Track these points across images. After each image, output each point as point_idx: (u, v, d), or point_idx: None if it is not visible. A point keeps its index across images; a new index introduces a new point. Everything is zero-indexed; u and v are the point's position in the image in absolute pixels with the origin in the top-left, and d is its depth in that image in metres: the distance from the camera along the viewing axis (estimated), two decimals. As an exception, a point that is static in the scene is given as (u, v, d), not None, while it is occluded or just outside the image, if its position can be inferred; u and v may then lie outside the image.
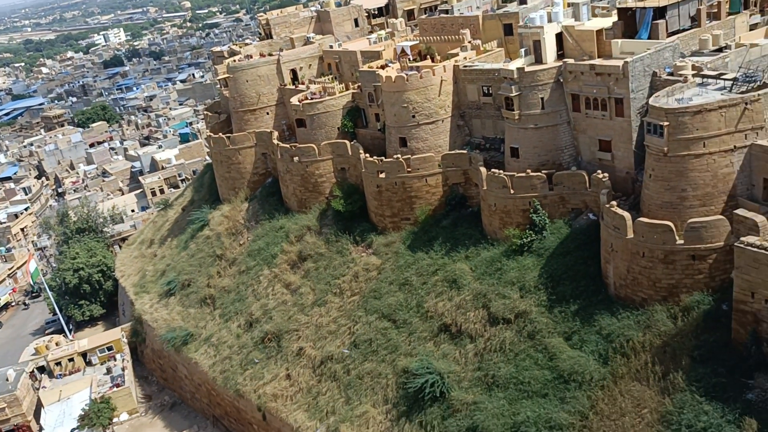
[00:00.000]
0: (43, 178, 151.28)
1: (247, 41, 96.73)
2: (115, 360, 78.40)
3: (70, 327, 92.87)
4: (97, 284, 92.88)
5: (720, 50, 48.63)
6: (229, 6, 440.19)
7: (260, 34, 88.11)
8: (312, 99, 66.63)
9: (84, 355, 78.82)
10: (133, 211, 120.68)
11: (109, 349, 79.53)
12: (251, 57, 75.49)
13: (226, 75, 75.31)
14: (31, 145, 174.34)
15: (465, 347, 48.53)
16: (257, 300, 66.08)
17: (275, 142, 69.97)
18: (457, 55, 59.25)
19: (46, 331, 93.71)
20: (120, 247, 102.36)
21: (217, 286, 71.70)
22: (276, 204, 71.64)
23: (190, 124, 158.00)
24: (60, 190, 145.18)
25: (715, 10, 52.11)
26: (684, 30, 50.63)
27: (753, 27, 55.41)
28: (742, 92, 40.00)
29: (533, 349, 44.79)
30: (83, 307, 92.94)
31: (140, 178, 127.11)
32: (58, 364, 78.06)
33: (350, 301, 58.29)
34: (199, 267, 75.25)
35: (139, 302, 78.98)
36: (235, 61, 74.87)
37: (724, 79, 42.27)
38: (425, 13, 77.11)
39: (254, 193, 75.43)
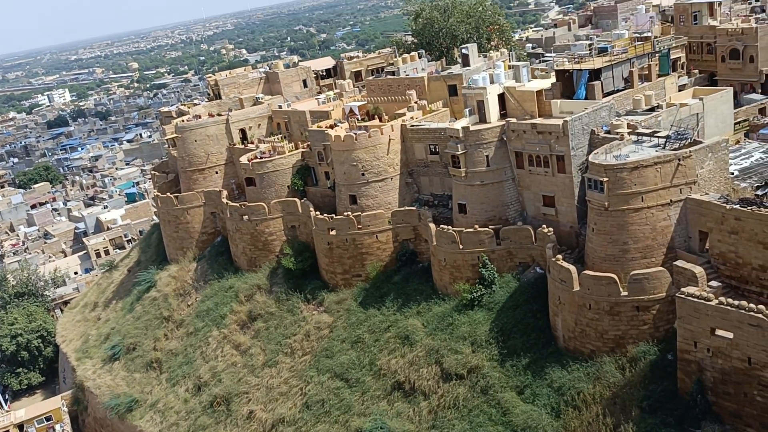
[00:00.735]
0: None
1: (196, 101, 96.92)
2: (54, 431, 74.57)
3: (6, 397, 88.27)
4: (36, 350, 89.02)
5: (652, 109, 51.26)
6: (178, 67, 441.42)
7: (209, 94, 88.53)
8: (262, 158, 66.88)
9: (21, 426, 74.72)
10: (76, 273, 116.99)
11: (48, 419, 75.65)
12: (200, 117, 75.65)
13: (175, 135, 75.09)
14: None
15: (419, 405, 48.14)
16: (206, 362, 64.37)
17: (224, 200, 69.62)
18: (404, 114, 60.69)
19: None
20: (62, 311, 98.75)
21: (164, 349, 69.65)
22: (225, 263, 70.72)
23: (137, 184, 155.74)
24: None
25: (646, 72, 55.11)
26: (618, 90, 53.25)
27: (681, 87, 58.79)
28: (675, 149, 42.04)
29: (487, 404, 44.75)
30: (20, 375, 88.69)
31: (84, 239, 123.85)
32: (-8, 437, 73.87)
33: (302, 360, 57.39)
34: (145, 330, 73.12)
35: (81, 368, 75.92)
36: (183, 120, 74.86)
37: (658, 137, 44.40)
38: (372, 75, 79.00)
39: (203, 253, 74.41)
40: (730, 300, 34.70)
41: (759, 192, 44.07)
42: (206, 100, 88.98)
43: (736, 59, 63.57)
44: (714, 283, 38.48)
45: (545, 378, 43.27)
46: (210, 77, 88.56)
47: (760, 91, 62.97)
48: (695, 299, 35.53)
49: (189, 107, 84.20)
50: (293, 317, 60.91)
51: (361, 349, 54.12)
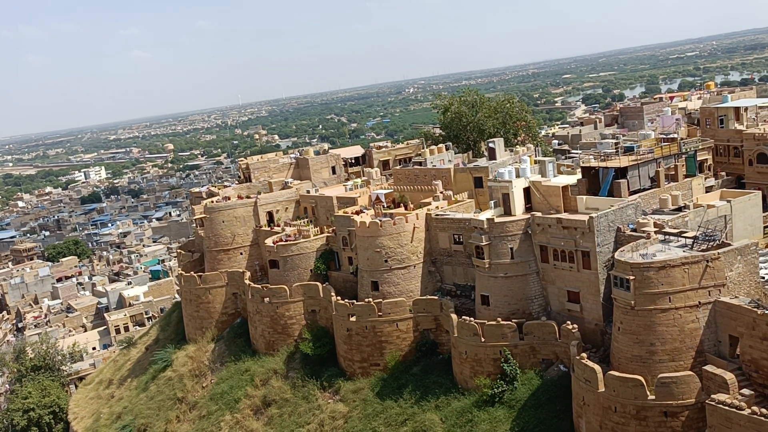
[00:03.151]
0: (4, 312, 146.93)
1: (226, 183, 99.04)
2: None
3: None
4: (46, 427, 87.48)
5: (679, 210, 51.02)
6: (211, 150, 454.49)
7: (239, 177, 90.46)
8: (287, 241, 67.39)
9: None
10: (94, 348, 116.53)
11: (51, 499, 73.55)
12: (229, 198, 77.02)
13: (203, 215, 76.32)
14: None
15: (433, 505, 45.90)
16: (216, 448, 62.64)
17: (247, 282, 69.74)
18: (429, 204, 61.20)
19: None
20: (77, 386, 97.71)
21: (175, 432, 68.09)
22: (243, 345, 70.04)
23: (162, 261, 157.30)
24: (20, 325, 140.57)
25: (673, 173, 55.26)
26: (644, 189, 53.29)
27: (708, 189, 58.67)
28: (703, 250, 41.50)
29: None
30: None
31: (105, 314, 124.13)
32: None
33: (314, 451, 55.56)
34: (158, 410, 71.80)
35: (90, 448, 74.29)
36: (212, 201, 76.22)
37: (685, 237, 43.96)
38: (400, 164, 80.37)
39: (222, 334, 73.91)
40: (764, 410, 33.18)
41: (791, 297, 42.98)
42: (237, 182, 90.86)
43: (763, 163, 63.61)
44: (746, 391, 36.90)
45: (568, 484, 41.22)
46: (242, 161, 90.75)
47: (789, 195, 62.54)
48: (727, 407, 34.08)
49: (219, 189, 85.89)
50: (308, 405, 59.49)
51: (376, 442, 52.30)
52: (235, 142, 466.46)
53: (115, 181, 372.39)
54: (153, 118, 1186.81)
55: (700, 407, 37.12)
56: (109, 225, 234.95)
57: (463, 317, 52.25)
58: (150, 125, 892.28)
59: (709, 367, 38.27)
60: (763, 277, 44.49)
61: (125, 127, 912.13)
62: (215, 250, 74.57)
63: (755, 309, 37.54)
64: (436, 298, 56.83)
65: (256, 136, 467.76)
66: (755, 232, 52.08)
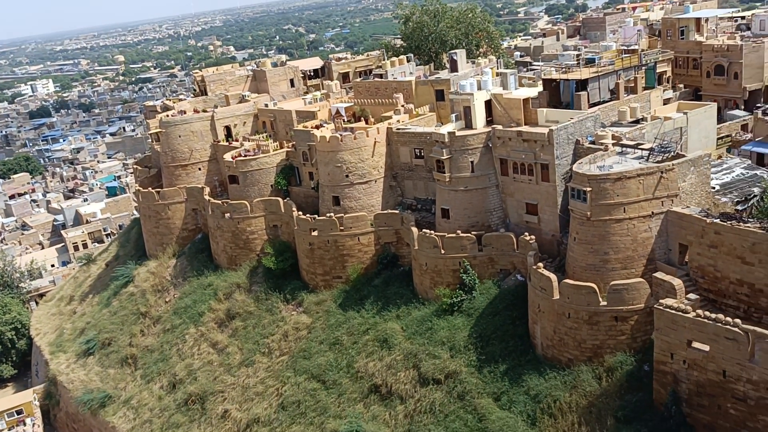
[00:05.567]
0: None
1: (181, 97, 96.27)
2: (25, 424, 73.39)
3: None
4: (9, 343, 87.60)
5: (637, 122, 51.60)
6: (164, 62, 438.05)
7: (195, 90, 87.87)
8: (246, 156, 66.46)
9: (-10, 419, 73.60)
10: (53, 266, 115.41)
11: (19, 413, 74.53)
12: (185, 112, 75.05)
13: (159, 129, 74.43)
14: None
15: (395, 408, 47.96)
16: (182, 360, 63.74)
17: (207, 197, 69.08)
18: (390, 118, 60.63)
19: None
20: (37, 303, 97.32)
21: (140, 346, 68.87)
22: (205, 261, 70.12)
23: (119, 177, 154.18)
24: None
25: (632, 85, 55.50)
26: (604, 102, 53.57)
27: (666, 101, 59.27)
28: (658, 162, 42.34)
29: (463, 410, 44.68)
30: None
31: (62, 231, 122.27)
32: (-40, 429, 72.58)
33: (279, 361, 56.99)
34: (121, 325, 72.25)
35: (55, 362, 74.84)
36: (168, 115, 74.21)
37: (642, 149, 44.69)
38: (360, 77, 78.88)
39: (183, 250, 73.70)
40: (707, 313, 34.96)
41: (739, 207, 44.54)
42: (192, 96, 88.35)
43: (720, 75, 64.25)
44: (692, 296, 38.76)
45: (522, 385, 43.31)
46: (197, 73, 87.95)
47: (743, 107, 63.70)
48: (673, 311, 35.74)
49: (174, 102, 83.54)
50: (272, 317, 60.50)
51: (339, 351, 53.86)
52: (189, 53, 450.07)
53: (64, 95, 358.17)
54: (101, 27, 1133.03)
55: (648, 312, 38.90)
56: (61, 141, 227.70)
57: (424, 230, 52.95)
58: (98, 35, 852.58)
59: (658, 274, 39.89)
60: (714, 188, 45.87)
61: (72, 38, 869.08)
62: (173, 165, 73.23)
63: (704, 218, 38.85)
64: (397, 212, 57.28)
65: (211, 48, 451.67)
66: (709, 144, 53.20)
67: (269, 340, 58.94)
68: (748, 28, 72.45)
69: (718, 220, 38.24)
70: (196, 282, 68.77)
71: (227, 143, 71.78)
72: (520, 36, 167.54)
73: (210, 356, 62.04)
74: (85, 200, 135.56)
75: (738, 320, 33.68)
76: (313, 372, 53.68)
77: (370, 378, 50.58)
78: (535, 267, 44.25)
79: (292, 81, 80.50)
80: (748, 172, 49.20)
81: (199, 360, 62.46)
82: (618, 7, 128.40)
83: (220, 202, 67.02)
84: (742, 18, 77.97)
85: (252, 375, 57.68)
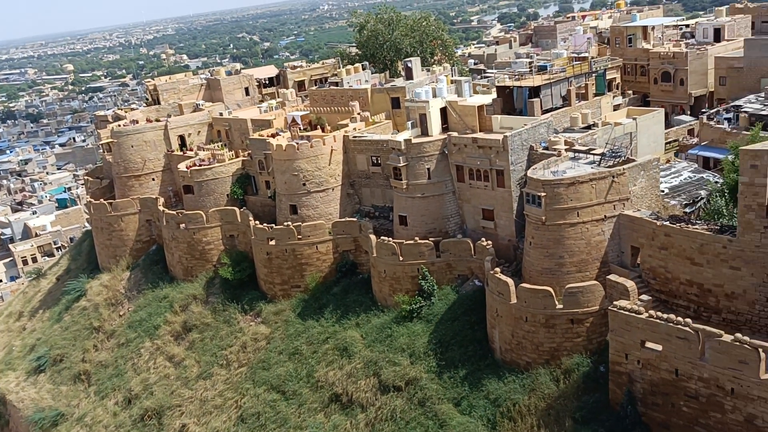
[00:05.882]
0: None
1: (134, 106, 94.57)
2: (-29, 447, 70.84)
3: None
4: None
5: (588, 128, 52.74)
6: (115, 71, 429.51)
7: (147, 99, 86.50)
8: (201, 165, 65.61)
9: (-66, 443, 70.72)
10: (0, 281, 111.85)
11: (-35, 435, 71.87)
12: (137, 122, 73.76)
13: (110, 140, 72.95)
14: None
15: (356, 417, 47.75)
16: (137, 374, 62.36)
17: (161, 208, 67.93)
18: (346, 125, 60.62)
19: None
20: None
21: (93, 361, 67.13)
22: (160, 272, 68.85)
23: (69, 189, 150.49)
24: None
25: (583, 92, 56.74)
26: (556, 108, 54.60)
27: (616, 107, 60.78)
28: (610, 166, 43.31)
29: (424, 416, 44.73)
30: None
31: (10, 245, 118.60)
32: None
33: (237, 372, 56.23)
34: (74, 341, 70.32)
35: (4, 381, 72.36)
36: (120, 125, 72.83)
37: (594, 154, 45.65)
38: (316, 85, 78.76)
39: (137, 262, 72.25)
40: (659, 313, 35.76)
41: (687, 209, 45.88)
42: (144, 105, 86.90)
43: (667, 81, 66.22)
44: (645, 297, 39.66)
45: (482, 390, 43.61)
46: (149, 82, 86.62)
47: (689, 112, 65.74)
48: (627, 312, 36.48)
49: (126, 112, 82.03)
50: (230, 328, 59.69)
51: (299, 360, 53.44)
52: (140, 62, 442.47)
53: (10, 105, 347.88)
54: (48, 36, 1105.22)
55: (603, 313, 39.63)
56: (8, 152, 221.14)
57: (382, 237, 53.02)
58: (46, 44, 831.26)
59: (612, 277, 40.72)
60: (663, 191, 47.13)
61: (18, 46, 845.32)
62: (125, 176, 71.82)
63: (655, 221, 39.86)
64: (355, 220, 57.24)
65: (164, 56, 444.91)
66: (657, 148, 54.68)
67: (227, 351, 58.13)
68: (692, 36, 74.89)
69: (667, 223, 39.28)
70: (151, 294, 67.47)
71: (181, 153, 70.76)
72: (473, 44, 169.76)
73: (166, 370, 60.85)
74: (34, 213, 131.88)
75: (689, 320, 34.55)
76: (272, 383, 53.10)
77: (331, 387, 50.28)
78: (492, 272, 44.70)
79: (247, 89, 79.87)
80: (695, 176, 50.72)
81: (155, 374, 61.19)
82: (568, 15, 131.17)
83: (174, 212, 65.95)
84: (687, 26, 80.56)
85: (210, 388, 56.75)
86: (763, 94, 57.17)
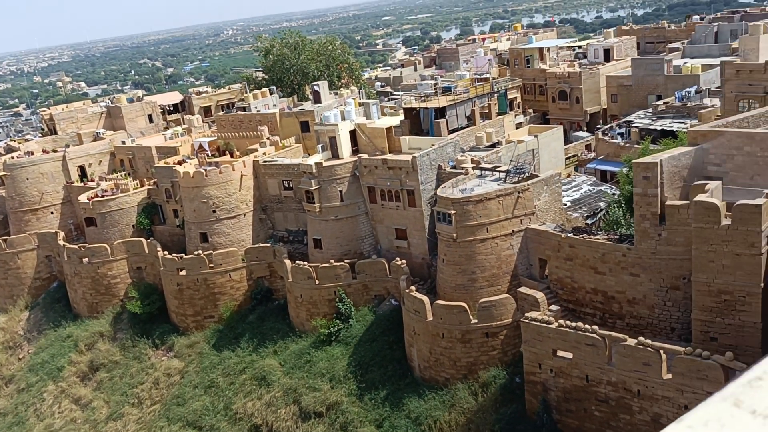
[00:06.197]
0: None
1: (28, 137, 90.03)
2: None
3: None
4: None
5: (493, 146, 54.46)
6: (7, 100, 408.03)
7: (43, 129, 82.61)
8: (103, 196, 63.07)
9: None
10: None
11: None
12: (32, 153, 70.20)
13: (3, 173, 69.01)
14: None
15: (277, 447, 46.72)
16: (40, 421, 58.67)
17: (61, 243, 64.67)
18: (256, 150, 59.96)
19: None
20: None
21: (-9, 410, 62.66)
22: (62, 310, 65.39)
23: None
24: None
25: (487, 111, 58.63)
26: (462, 128, 56.10)
27: (518, 126, 63.11)
28: (515, 182, 44.81)
29: (346, 440, 44.32)
30: None
31: None
32: None
33: (150, 410, 53.92)
34: (-32, 389, 65.45)
35: None
36: (13, 157, 69.08)
37: (499, 172, 47.12)
38: (222, 110, 77.59)
39: (36, 301, 68.34)
40: (568, 322, 37.07)
41: (589, 221, 48.01)
42: (40, 135, 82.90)
43: (564, 100, 69.44)
44: (554, 307, 41.06)
45: (403, 409, 43.71)
46: (44, 111, 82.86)
47: (585, 129, 69.12)
48: (538, 323, 37.61)
49: (20, 143, 78.00)
50: (140, 365, 57.28)
51: (215, 393, 51.85)
52: (35, 90, 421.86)
53: None
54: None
55: (516, 325, 40.71)
56: None
57: (297, 262, 52.53)
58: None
59: (522, 289, 41.96)
60: (566, 204, 49.16)
61: None
62: (21, 210, 68.06)
63: (559, 233, 41.47)
64: (268, 245, 56.45)
65: (60, 84, 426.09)
66: (558, 164, 57.06)
67: (138, 389, 55.68)
68: (585, 57, 79.01)
69: (571, 235, 40.95)
70: (53, 334, 63.89)
71: (82, 184, 67.87)
72: (379, 67, 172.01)
73: (73, 413, 57.58)
74: None
75: (596, 327, 36.00)
76: (188, 419, 51.22)
77: (250, 418, 49.03)
78: (407, 290, 45.11)
79: (150, 116, 77.74)
80: (594, 188, 53.23)
81: (60, 419, 57.77)
82: (469, 38, 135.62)
83: (76, 246, 62.95)
84: (579, 47, 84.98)
85: (121, 429, 54.11)
86: (650, 110, 60.92)
